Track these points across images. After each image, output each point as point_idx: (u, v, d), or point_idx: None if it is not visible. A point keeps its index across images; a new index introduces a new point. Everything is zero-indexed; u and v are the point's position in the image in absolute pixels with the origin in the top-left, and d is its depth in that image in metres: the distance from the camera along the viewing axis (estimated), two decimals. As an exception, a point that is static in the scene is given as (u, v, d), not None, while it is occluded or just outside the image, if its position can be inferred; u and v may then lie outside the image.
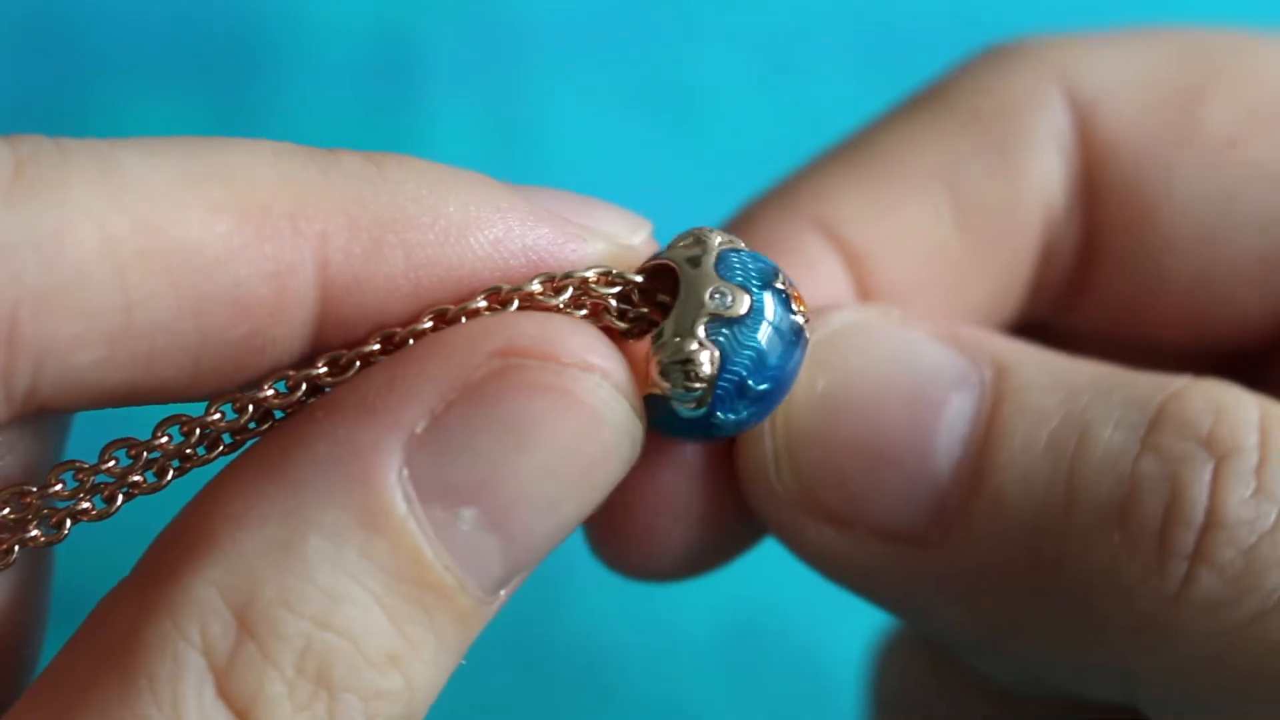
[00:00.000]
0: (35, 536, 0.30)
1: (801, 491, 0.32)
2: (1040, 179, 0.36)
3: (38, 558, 0.31)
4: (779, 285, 0.30)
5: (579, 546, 0.56)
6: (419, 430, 0.27)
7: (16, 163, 0.26)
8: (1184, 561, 0.29)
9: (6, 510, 0.29)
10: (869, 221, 0.35)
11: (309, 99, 0.65)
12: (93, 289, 0.26)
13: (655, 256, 0.31)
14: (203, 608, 0.26)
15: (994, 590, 0.31)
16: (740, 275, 0.30)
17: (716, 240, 0.31)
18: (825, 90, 0.66)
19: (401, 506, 0.27)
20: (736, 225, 0.36)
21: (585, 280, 0.30)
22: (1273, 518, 0.28)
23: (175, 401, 0.29)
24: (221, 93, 0.65)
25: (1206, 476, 0.29)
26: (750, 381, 0.30)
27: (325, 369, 0.29)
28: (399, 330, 0.29)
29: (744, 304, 0.30)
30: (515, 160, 0.65)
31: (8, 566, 0.30)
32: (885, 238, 0.35)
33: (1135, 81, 0.36)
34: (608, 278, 0.30)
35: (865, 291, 0.35)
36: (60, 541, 0.30)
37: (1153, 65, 0.36)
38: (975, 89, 0.36)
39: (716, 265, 0.30)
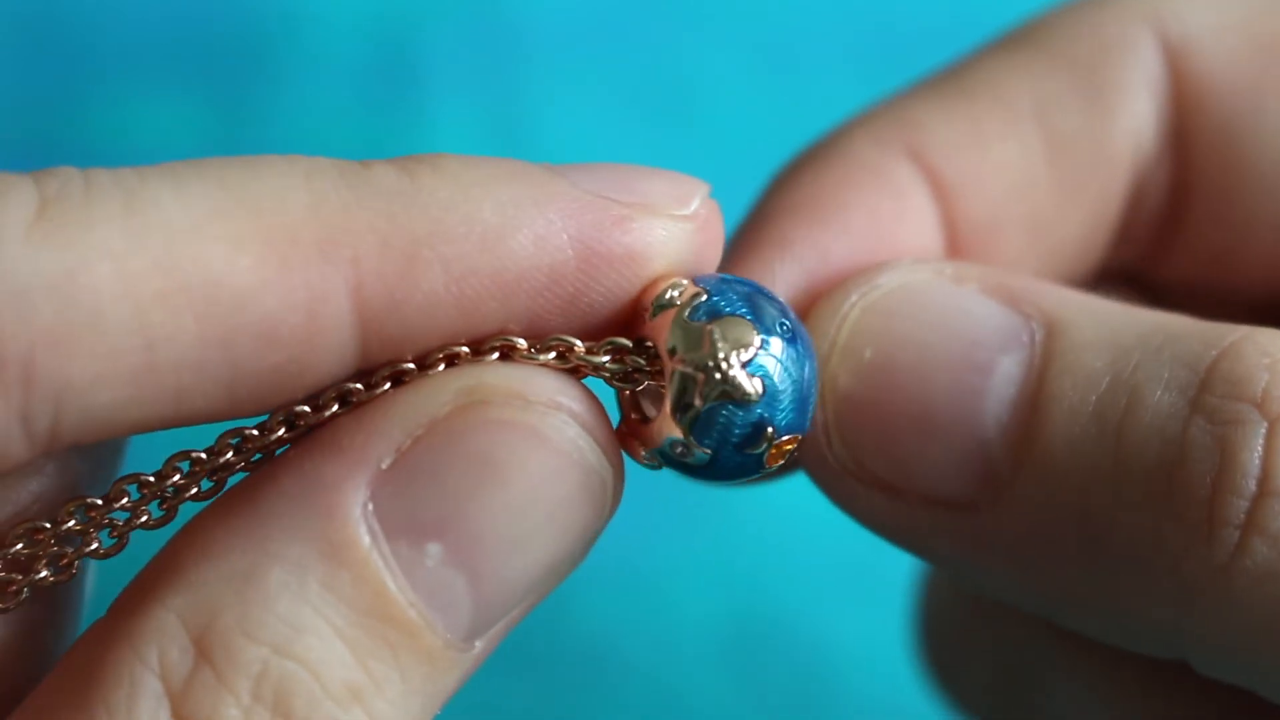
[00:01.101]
0: (45, 577, 0.29)
1: (852, 459, 0.31)
2: (1132, 121, 0.36)
3: (52, 596, 0.30)
4: (764, 341, 0.29)
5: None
6: (384, 466, 0.27)
7: (41, 203, 0.26)
8: (1235, 531, 0.28)
9: (20, 546, 0.29)
10: (961, 153, 0.35)
11: (310, 98, 0.65)
12: (111, 329, 0.26)
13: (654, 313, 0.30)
14: (162, 634, 0.26)
15: (1042, 555, 0.30)
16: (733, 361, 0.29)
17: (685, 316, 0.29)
18: (825, 89, 0.66)
19: (365, 540, 0.27)
20: (825, 149, 0.35)
21: (572, 347, 0.29)
22: None
23: (220, 420, 0.29)
24: (222, 92, 0.65)
25: (1259, 441, 0.28)
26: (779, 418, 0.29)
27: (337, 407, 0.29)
28: (408, 365, 0.29)
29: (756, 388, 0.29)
30: (517, 154, 0.65)
31: (17, 607, 0.29)
32: (976, 171, 0.35)
33: (1227, 27, 0.36)
34: (596, 349, 0.30)
35: (951, 224, 0.35)
36: (67, 581, 0.30)
37: (1245, 12, 0.36)
38: (1070, 31, 0.36)
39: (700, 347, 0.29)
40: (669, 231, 0.29)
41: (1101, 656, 0.37)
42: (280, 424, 0.29)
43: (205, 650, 0.26)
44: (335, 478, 0.27)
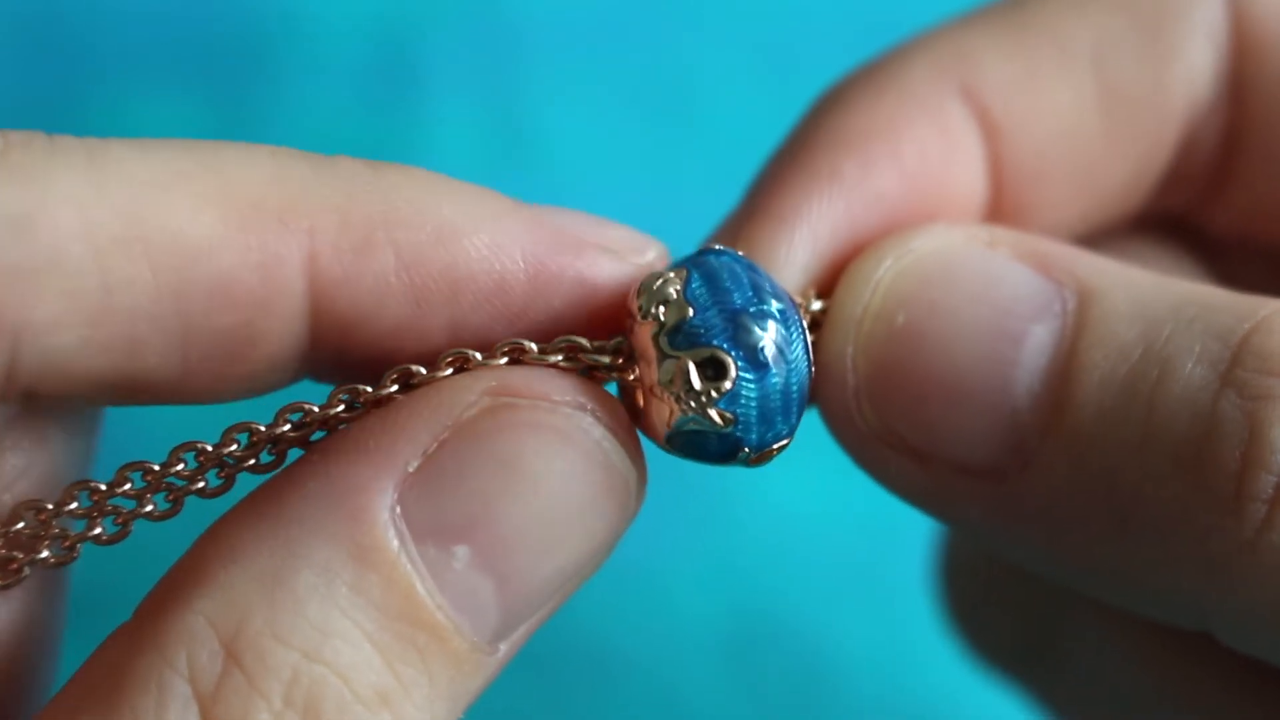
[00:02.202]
0: (46, 558, 0.29)
1: (881, 426, 0.31)
2: (1189, 68, 0.35)
3: (50, 578, 0.31)
4: (751, 332, 0.29)
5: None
6: (411, 469, 0.27)
7: (4, 148, 0.27)
8: (1262, 506, 0.28)
9: (21, 525, 0.29)
10: (1015, 95, 0.35)
11: (310, 99, 0.65)
12: (70, 270, 0.27)
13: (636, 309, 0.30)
14: (191, 637, 0.26)
15: (1070, 525, 0.30)
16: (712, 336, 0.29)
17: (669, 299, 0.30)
18: (828, 83, 0.66)
19: (394, 543, 0.27)
20: (880, 75, 0.35)
21: (576, 345, 0.30)
22: None
23: (173, 402, 0.29)
24: (222, 92, 0.65)
25: None
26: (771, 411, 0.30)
27: (342, 408, 0.29)
28: (419, 371, 0.29)
29: (729, 376, 0.29)
30: (516, 158, 0.65)
31: (17, 584, 0.30)
32: (1028, 114, 0.35)
33: None
34: (593, 345, 0.30)
35: (997, 166, 0.35)
36: (70, 563, 0.30)
37: None
38: None
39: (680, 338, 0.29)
40: (618, 269, 0.30)
41: (1124, 613, 0.37)
42: (284, 421, 0.30)
43: (235, 654, 0.26)
44: (362, 480, 0.27)
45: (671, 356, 0.29)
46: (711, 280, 0.29)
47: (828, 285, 0.33)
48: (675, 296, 0.29)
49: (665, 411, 0.29)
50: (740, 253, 0.31)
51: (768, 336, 0.29)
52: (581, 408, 0.28)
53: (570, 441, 0.28)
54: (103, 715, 0.26)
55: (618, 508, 0.29)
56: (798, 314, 0.30)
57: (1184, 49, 0.35)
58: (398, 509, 0.27)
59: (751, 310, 0.29)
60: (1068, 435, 0.30)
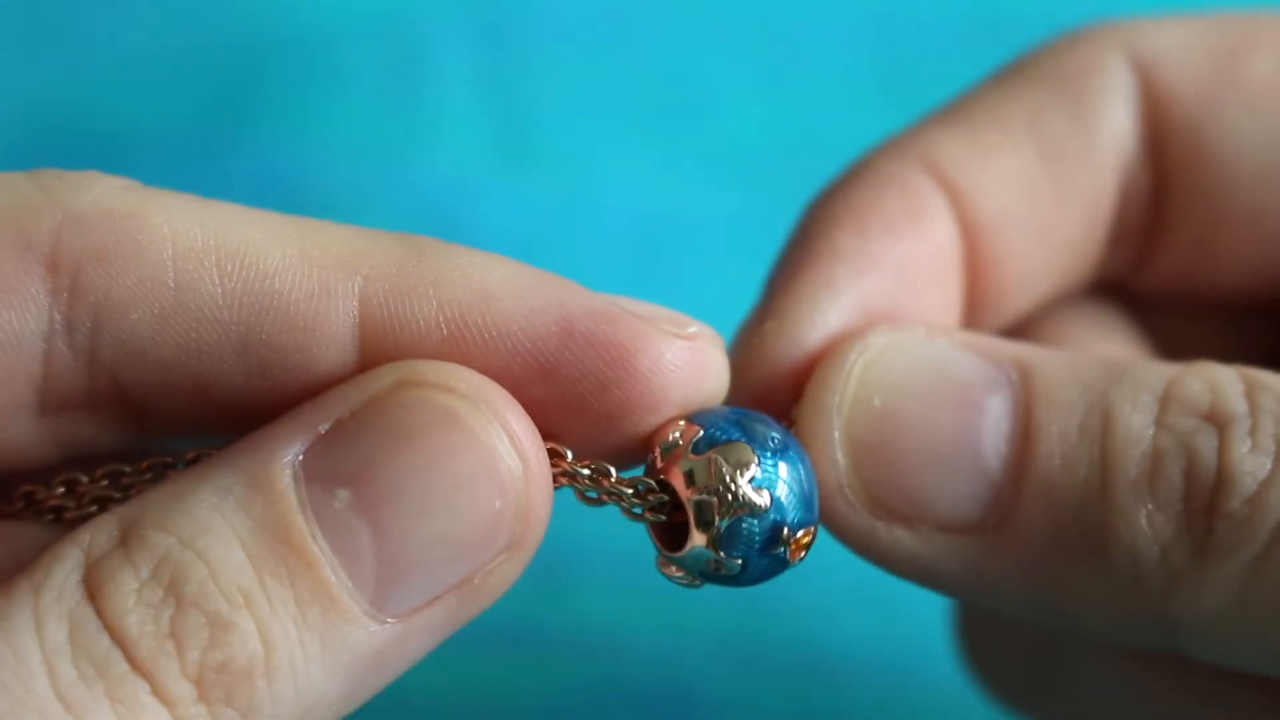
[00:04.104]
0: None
1: (869, 497, 0.35)
2: (1113, 127, 0.41)
3: None
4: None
5: (581, 538, 0.56)
6: (321, 430, 0.31)
7: (135, 184, 0.32)
8: (1203, 517, 0.33)
9: (61, 490, 0.34)
10: (969, 163, 0.40)
11: (310, 98, 0.65)
12: (149, 264, 0.31)
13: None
14: (96, 526, 0.31)
15: (1048, 566, 0.35)
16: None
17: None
18: (826, 87, 0.67)
19: (286, 478, 0.31)
20: (853, 174, 0.40)
21: (607, 474, 0.34)
22: (1269, 467, 0.33)
23: (241, 422, 0.33)
24: (222, 92, 0.65)
25: (1213, 443, 0.34)
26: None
27: None
28: None
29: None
30: (516, 158, 0.65)
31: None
32: (983, 177, 0.40)
33: (1188, 45, 0.41)
34: (624, 484, 0.34)
35: (965, 225, 0.40)
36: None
37: (1202, 32, 0.41)
38: (1052, 59, 0.41)
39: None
40: (653, 336, 0.33)
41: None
42: None
43: (124, 536, 0.30)
44: (277, 433, 0.31)
45: (700, 459, 0.33)
46: (709, 413, 0.34)
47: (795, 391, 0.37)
48: (684, 424, 0.33)
49: (709, 512, 0.33)
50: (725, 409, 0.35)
51: (775, 433, 0.34)
52: (478, 397, 0.31)
53: (457, 419, 0.31)
54: (19, 574, 0.30)
55: (502, 495, 0.31)
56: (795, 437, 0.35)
57: (1106, 110, 0.41)
58: (300, 458, 0.31)
59: (751, 416, 0.34)
60: (1037, 485, 0.35)
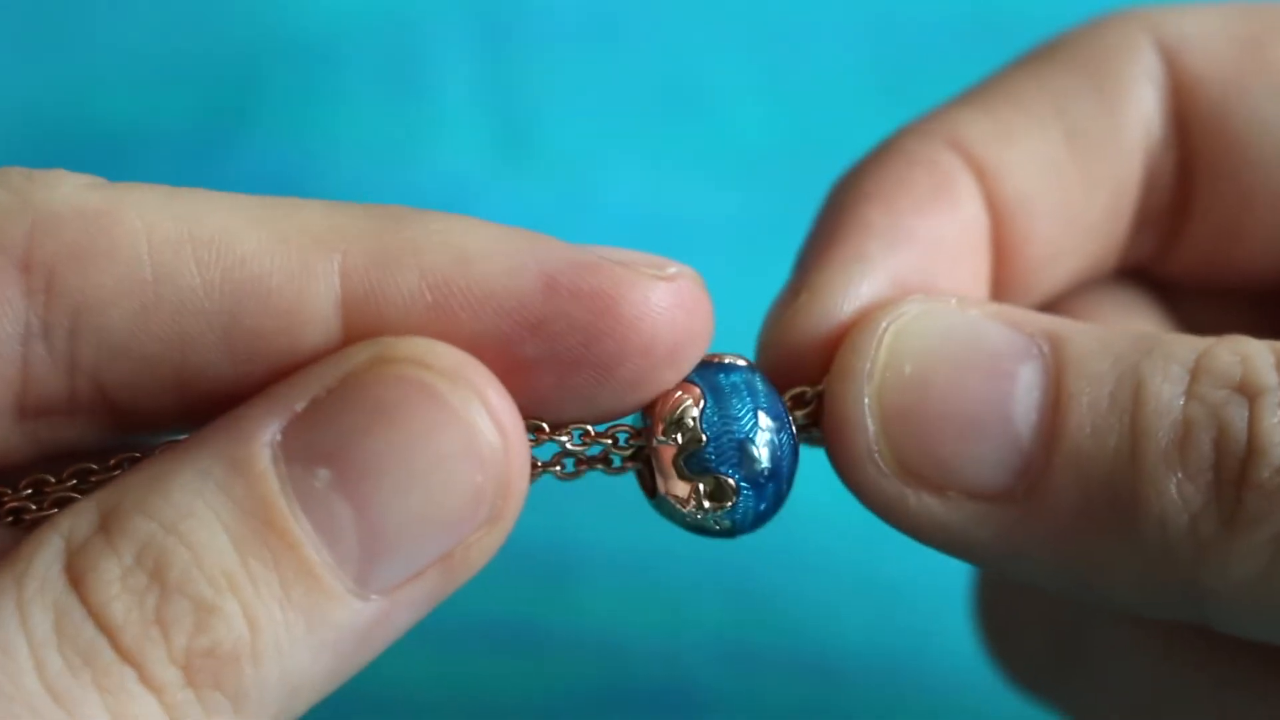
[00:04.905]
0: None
1: (900, 464, 0.35)
2: (1139, 109, 0.41)
3: None
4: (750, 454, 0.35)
5: (581, 538, 0.56)
6: (298, 409, 0.31)
7: (102, 181, 0.32)
8: (1233, 487, 0.34)
9: (29, 492, 0.33)
10: (996, 143, 0.40)
11: (310, 98, 0.65)
12: (125, 259, 0.31)
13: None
14: (76, 513, 0.30)
15: (1078, 534, 0.35)
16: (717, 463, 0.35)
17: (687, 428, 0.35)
18: (827, 85, 0.67)
19: (265, 458, 0.31)
20: (880, 152, 0.40)
21: (586, 432, 0.35)
22: None
23: (228, 402, 0.32)
24: (221, 92, 0.65)
25: (1244, 414, 0.34)
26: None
27: None
28: None
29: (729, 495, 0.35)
30: (516, 158, 0.65)
31: None
32: (1010, 157, 0.40)
33: (1213, 30, 0.42)
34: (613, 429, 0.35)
35: (993, 205, 0.40)
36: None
37: (1227, 18, 0.42)
38: (1077, 43, 0.42)
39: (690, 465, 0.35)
40: (635, 279, 0.33)
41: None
42: None
43: (105, 522, 0.30)
44: (253, 413, 0.31)
45: (686, 479, 0.35)
46: (721, 404, 0.35)
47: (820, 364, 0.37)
48: (691, 425, 0.35)
49: (677, 512, 0.35)
50: (744, 363, 0.36)
51: (765, 460, 0.35)
52: (455, 374, 0.32)
53: (435, 395, 0.31)
54: None
55: (483, 471, 0.31)
56: (789, 422, 0.36)
57: (1131, 93, 0.41)
58: (278, 438, 0.31)
59: (754, 438, 0.35)
60: (1068, 454, 0.35)
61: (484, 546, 0.32)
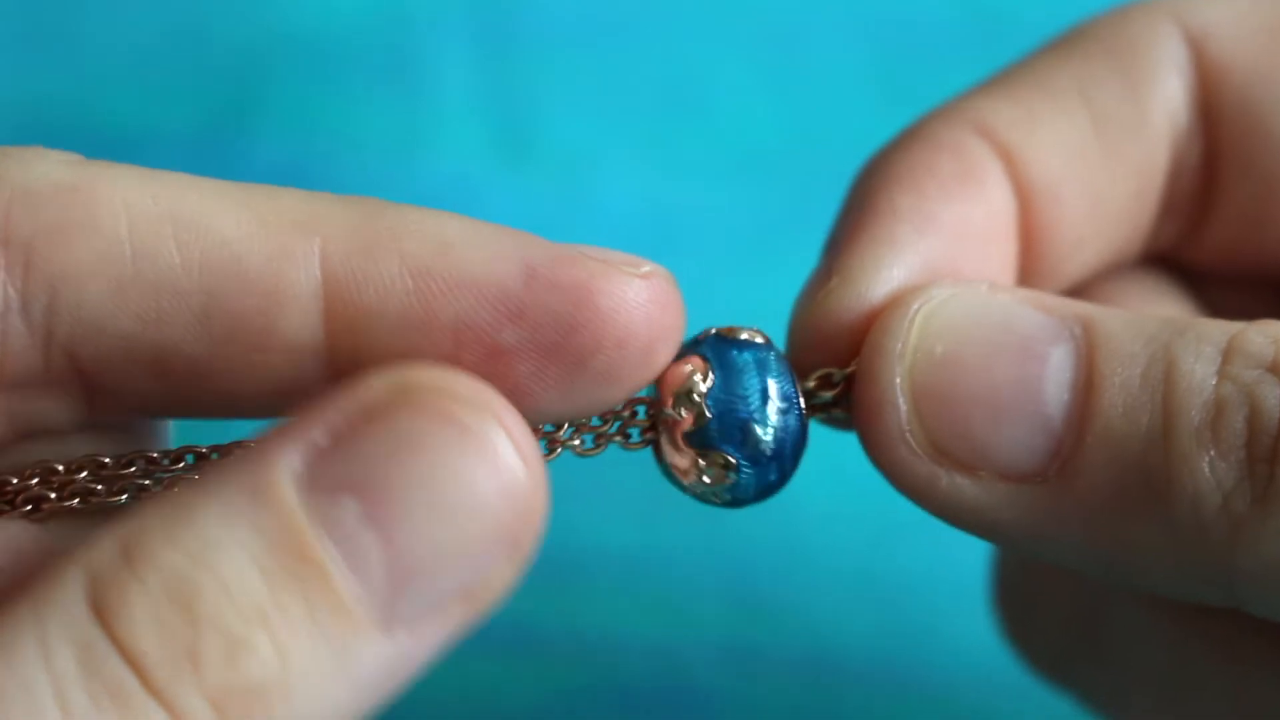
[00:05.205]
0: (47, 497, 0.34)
1: (932, 446, 0.36)
2: (1166, 96, 0.41)
3: None
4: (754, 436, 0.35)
5: (581, 538, 0.56)
6: (319, 443, 0.30)
7: (79, 158, 0.33)
8: (1266, 464, 0.34)
9: (35, 480, 0.33)
10: (1022, 128, 0.40)
11: (310, 97, 0.65)
12: (103, 235, 0.32)
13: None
14: (96, 545, 0.29)
15: (1110, 515, 0.35)
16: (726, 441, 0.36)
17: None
18: (828, 85, 0.66)
19: (290, 490, 0.30)
20: (906, 137, 0.40)
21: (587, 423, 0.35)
22: None
23: (207, 393, 0.33)
24: (221, 92, 0.65)
25: (1276, 393, 0.34)
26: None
27: None
28: None
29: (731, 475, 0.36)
30: (516, 157, 0.65)
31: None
32: (1036, 143, 0.40)
33: (1239, 18, 0.42)
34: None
35: (1020, 190, 0.40)
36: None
37: (1253, 7, 0.42)
38: (1104, 30, 0.42)
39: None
40: (612, 275, 0.33)
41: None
42: None
43: (129, 554, 0.29)
44: (273, 446, 0.30)
45: (689, 452, 0.35)
46: (730, 380, 0.35)
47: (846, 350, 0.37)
48: (698, 400, 0.35)
49: (680, 482, 0.36)
50: (760, 339, 0.36)
51: (769, 440, 0.35)
52: (477, 403, 0.31)
53: (461, 426, 0.30)
54: (13, 600, 0.29)
55: (507, 502, 0.31)
56: (798, 403, 0.36)
57: (1158, 80, 0.41)
58: (300, 469, 0.30)
59: (759, 418, 0.35)
60: (1099, 434, 0.35)
61: (505, 578, 0.31)
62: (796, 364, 0.37)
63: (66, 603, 0.28)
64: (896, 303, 0.37)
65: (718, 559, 0.59)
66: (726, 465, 0.35)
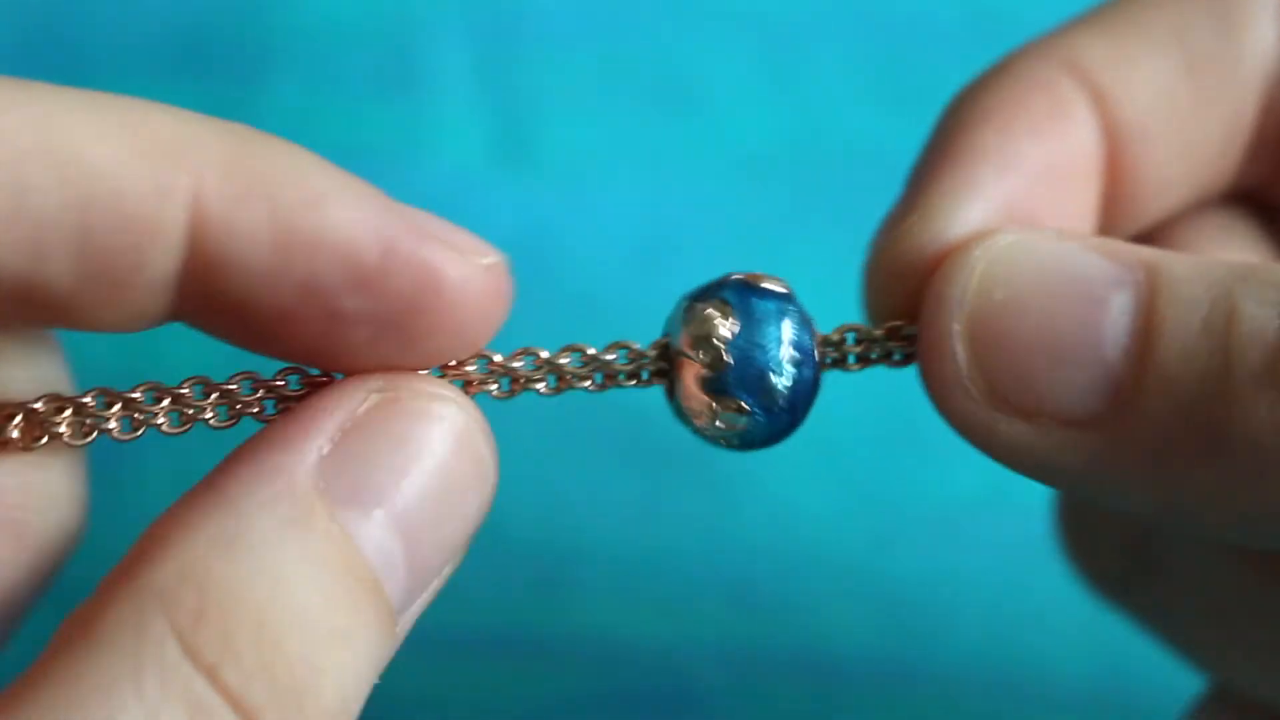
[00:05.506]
0: (64, 434, 0.34)
1: (990, 390, 0.36)
2: (1259, 40, 0.41)
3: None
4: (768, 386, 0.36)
5: (579, 539, 0.56)
6: (324, 454, 0.31)
7: None
8: None
9: (40, 404, 0.33)
10: (1113, 67, 0.40)
11: (309, 98, 0.65)
12: None
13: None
14: (162, 591, 0.29)
15: (1168, 459, 0.35)
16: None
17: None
18: (827, 86, 0.67)
19: (326, 510, 0.31)
20: (994, 73, 0.40)
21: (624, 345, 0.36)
22: None
23: (64, 323, 0.33)
24: (221, 92, 0.65)
25: None
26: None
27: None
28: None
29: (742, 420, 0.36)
30: (516, 158, 0.65)
31: (34, 448, 0.34)
32: (1127, 81, 0.40)
33: None
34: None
35: (1108, 129, 0.40)
36: (87, 444, 0.34)
37: None
38: None
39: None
40: (460, 263, 0.33)
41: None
42: (283, 377, 0.34)
43: (206, 599, 0.29)
44: (286, 463, 0.31)
45: (703, 396, 0.35)
46: (750, 329, 0.36)
47: (903, 302, 0.38)
48: (718, 345, 0.35)
49: (691, 423, 0.36)
50: (783, 290, 0.36)
51: (784, 392, 0.36)
52: (446, 399, 0.32)
53: (447, 425, 0.32)
54: (90, 665, 0.28)
55: (483, 489, 0.33)
56: (814, 355, 0.36)
57: (1253, 24, 0.41)
58: (321, 484, 0.31)
59: (777, 369, 0.36)
60: (1159, 378, 0.35)
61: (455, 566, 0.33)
62: (872, 305, 0.37)
63: (162, 654, 0.28)
64: (960, 248, 0.37)
65: (717, 559, 0.59)
66: (740, 411, 0.35)
